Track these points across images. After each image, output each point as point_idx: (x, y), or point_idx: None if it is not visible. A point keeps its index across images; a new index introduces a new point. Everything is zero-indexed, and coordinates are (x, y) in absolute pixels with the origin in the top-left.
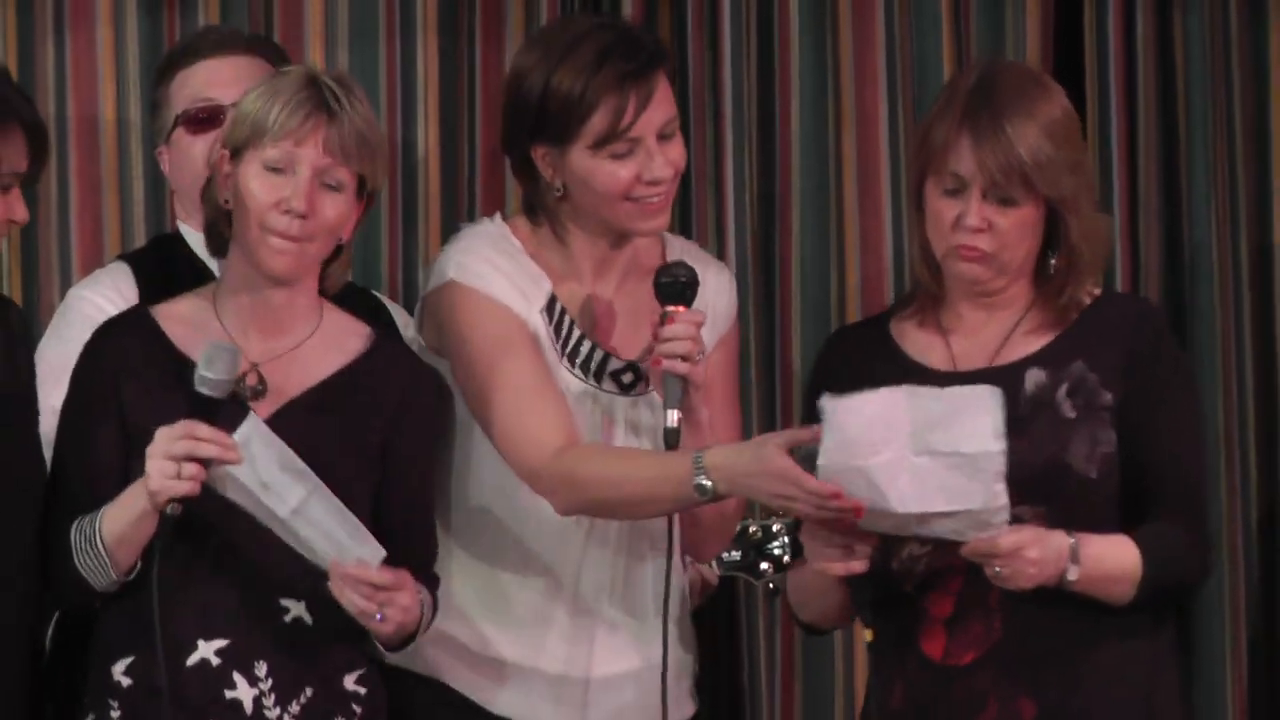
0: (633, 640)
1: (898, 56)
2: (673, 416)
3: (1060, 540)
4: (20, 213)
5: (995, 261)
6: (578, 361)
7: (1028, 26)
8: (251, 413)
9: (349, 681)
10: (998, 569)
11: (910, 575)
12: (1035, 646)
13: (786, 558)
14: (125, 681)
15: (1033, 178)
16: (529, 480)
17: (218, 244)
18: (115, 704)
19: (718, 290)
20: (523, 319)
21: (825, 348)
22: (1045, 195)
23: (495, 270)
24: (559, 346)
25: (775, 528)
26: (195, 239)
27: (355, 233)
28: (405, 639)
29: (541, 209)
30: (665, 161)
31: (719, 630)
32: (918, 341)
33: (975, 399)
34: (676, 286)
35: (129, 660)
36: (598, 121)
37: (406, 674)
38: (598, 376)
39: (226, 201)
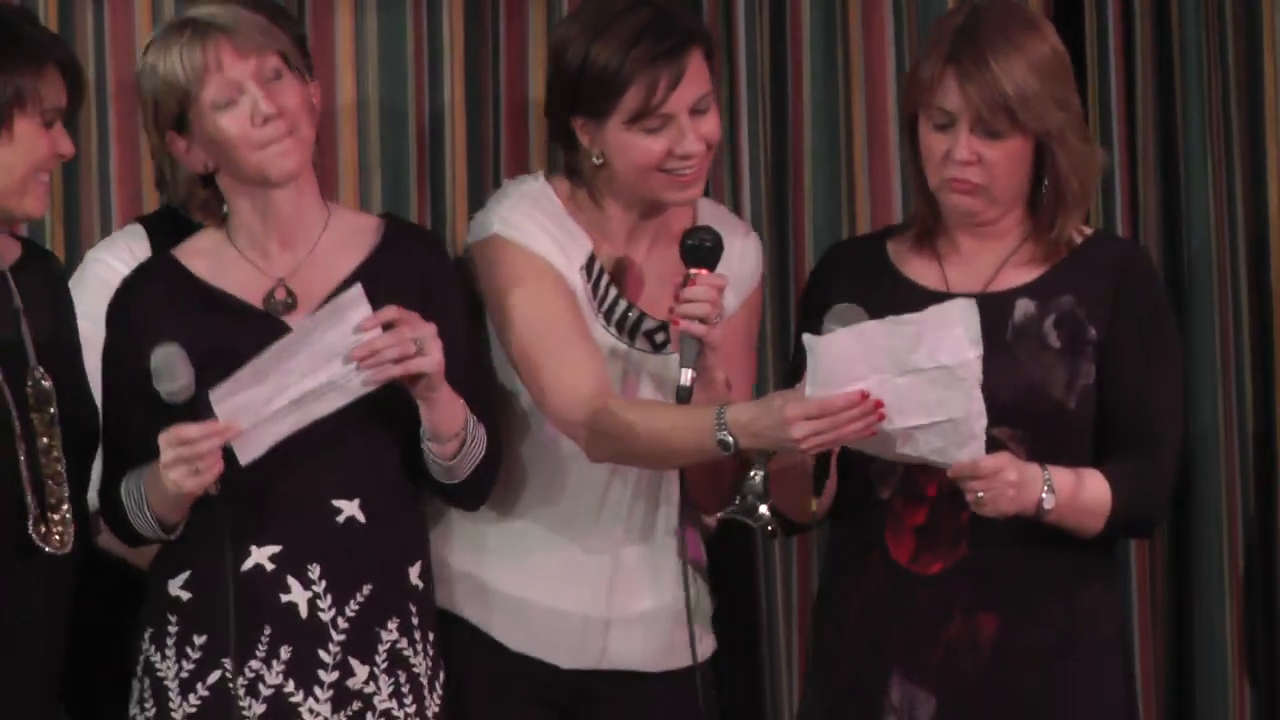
0: (651, 581)
1: (904, 23)
2: (686, 375)
3: (1036, 471)
4: (66, 147)
5: (986, 193)
6: (613, 319)
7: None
8: (211, 393)
9: (413, 575)
10: (979, 493)
11: (887, 480)
12: (999, 566)
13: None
14: (184, 595)
15: (1017, 111)
16: (562, 427)
17: (204, 209)
18: (174, 618)
19: (744, 254)
20: (562, 274)
21: (822, 260)
22: (1031, 128)
23: (538, 227)
24: (595, 304)
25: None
26: None
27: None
28: (461, 442)
29: (580, 175)
30: (697, 136)
31: (733, 572)
32: (913, 263)
33: (950, 313)
34: (701, 250)
35: (186, 575)
36: (631, 98)
37: (447, 614)
38: (631, 334)
39: (206, 166)
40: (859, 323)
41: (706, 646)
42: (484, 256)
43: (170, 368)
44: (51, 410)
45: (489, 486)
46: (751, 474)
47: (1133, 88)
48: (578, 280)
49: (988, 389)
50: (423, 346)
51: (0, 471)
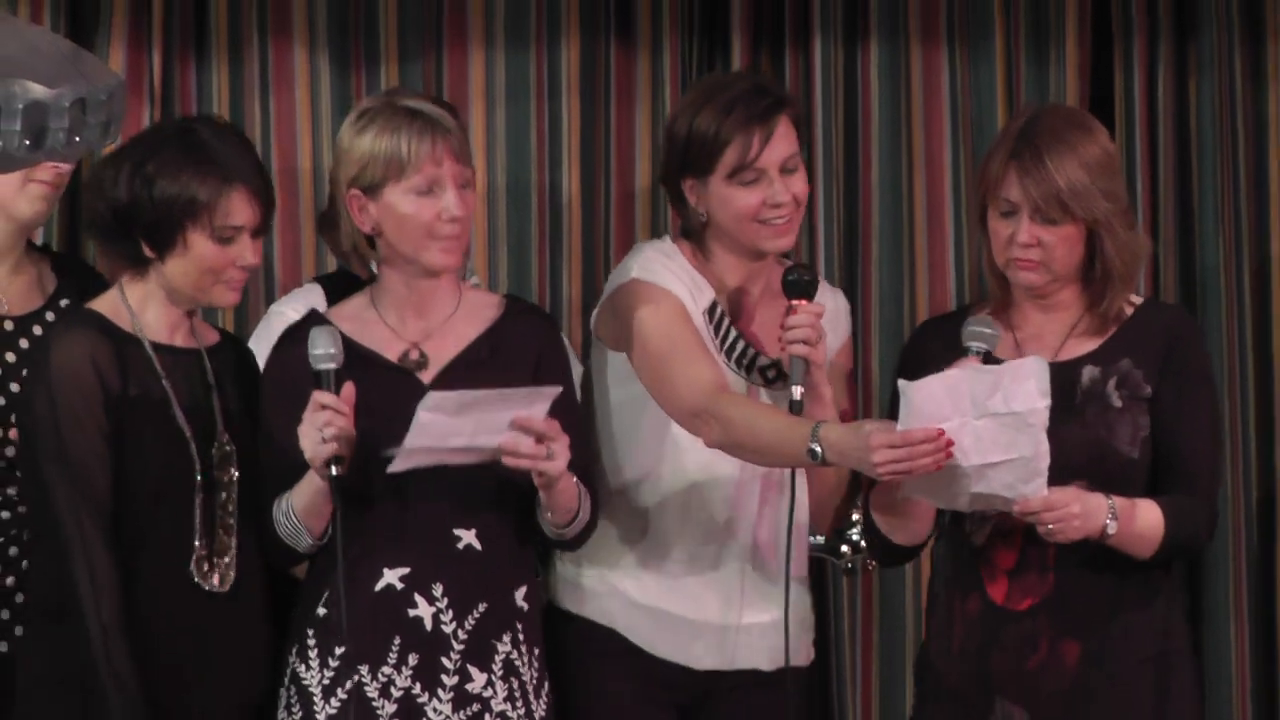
0: (771, 592)
1: (960, 113)
2: (796, 391)
3: (1099, 500)
4: (248, 259)
5: (1046, 269)
6: (734, 357)
7: (1068, 88)
8: (429, 394)
9: (518, 597)
10: (1049, 525)
11: (980, 530)
12: (1081, 599)
13: (862, 543)
14: (322, 613)
15: (1068, 202)
16: (687, 417)
17: (360, 262)
18: (311, 633)
19: (837, 311)
20: (690, 310)
21: (913, 336)
22: (1081, 217)
23: (670, 273)
24: (718, 343)
25: (854, 516)
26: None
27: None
28: (573, 516)
29: (694, 234)
30: (785, 188)
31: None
32: None
33: (1023, 367)
34: (800, 284)
35: (325, 595)
36: (730, 155)
37: (582, 620)
38: (748, 370)
39: (372, 229)
40: (980, 341)
41: (807, 653)
42: (624, 295)
43: (328, 337)
44: (232, 470)
45: (587, 539)
46: (853, 518)
47: (1154, 138)
48: (702, 323)
49: (1063, 448)
50: (552, 453)
51: (178, 516)
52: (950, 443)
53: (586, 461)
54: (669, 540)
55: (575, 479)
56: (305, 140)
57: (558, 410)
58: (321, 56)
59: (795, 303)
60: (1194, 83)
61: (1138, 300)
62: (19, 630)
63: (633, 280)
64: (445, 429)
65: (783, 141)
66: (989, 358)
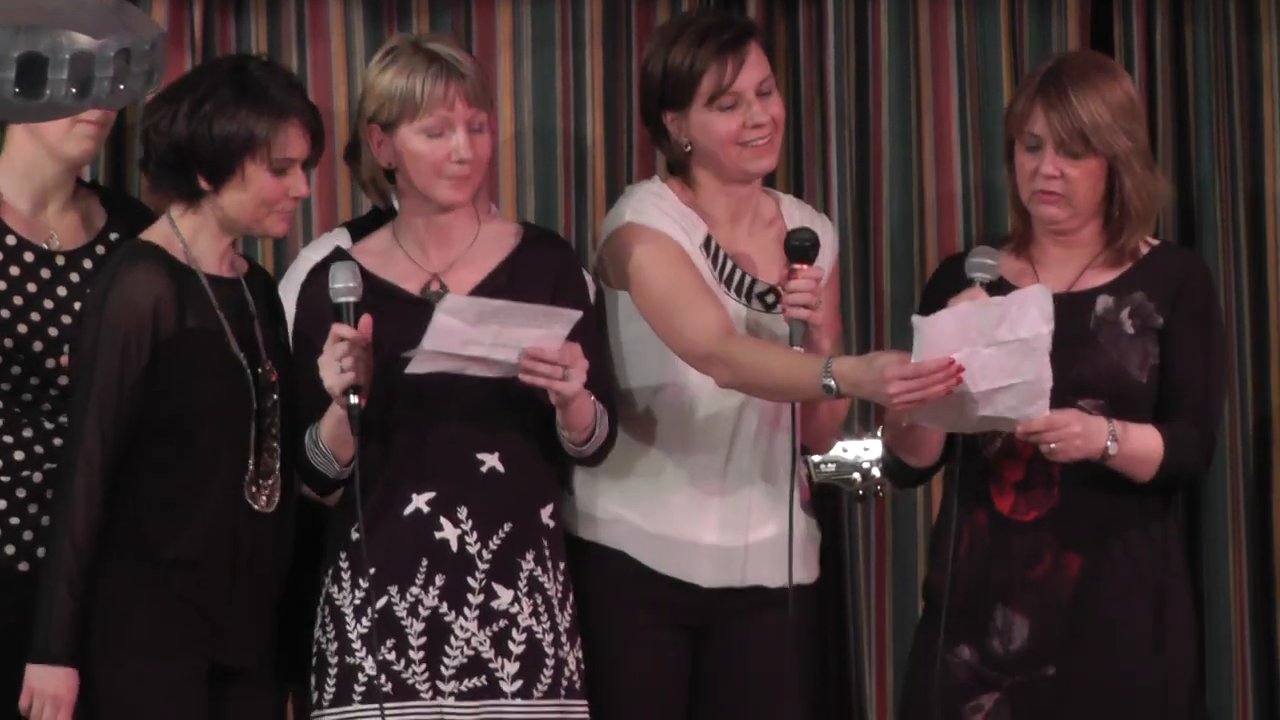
0: (775, 511)
1: (965, 62)
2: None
3: (1100, 423)
4: (299, 189)
5: (1068, 203)
6: (732, 285)
7: (1069, 38)
8: (447, 295)
9: (544, 515)
10: (1051, 445)
11: (990, 444)
12: (1085, 515)
13: (875, 471)
14: (354, 536)
15: (1090, 136)
16: (698, 360)
17: (378, 194)
18: (343, 555)
19: (822, 231)
20: (686, 249)
21: (939, 269)
22: (1103, 152)
23: (662, 213)
24: (717, 273)
25: (864, 444)
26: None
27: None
28: (589, 434)
29: (680, 167)
30: (763, 109)
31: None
32: (1011, 268)
33: (1029, 296)
34: (802, 249)
35: (356, 522)
36: (706, 84)
37: (596, 546)
38: (748, 297)
39: (389, 163)
40: (983, 272)
41: (813, 570)
42: (620, 240)
43: (347, 272)
44: (274, 396)
45: (606, 455)
46: (844, 448)
47: (1153, 86)
48: (699, 257)
49: (1077, 369)
50: (568, 374)
51: (236, 442)
52: (960, 369)
53: (605, 383)
54: (671, 468)
55: (592, 398)
56: (340, 89)
57: (575, 333)
58: (355, 9)
59: (796, 266)
60: (1190, 31)
61: (1154, 241)
62: (40, 552)
63: (627, 224)
64: (463, 335)
65: (755, 66)
66: (993, 287)
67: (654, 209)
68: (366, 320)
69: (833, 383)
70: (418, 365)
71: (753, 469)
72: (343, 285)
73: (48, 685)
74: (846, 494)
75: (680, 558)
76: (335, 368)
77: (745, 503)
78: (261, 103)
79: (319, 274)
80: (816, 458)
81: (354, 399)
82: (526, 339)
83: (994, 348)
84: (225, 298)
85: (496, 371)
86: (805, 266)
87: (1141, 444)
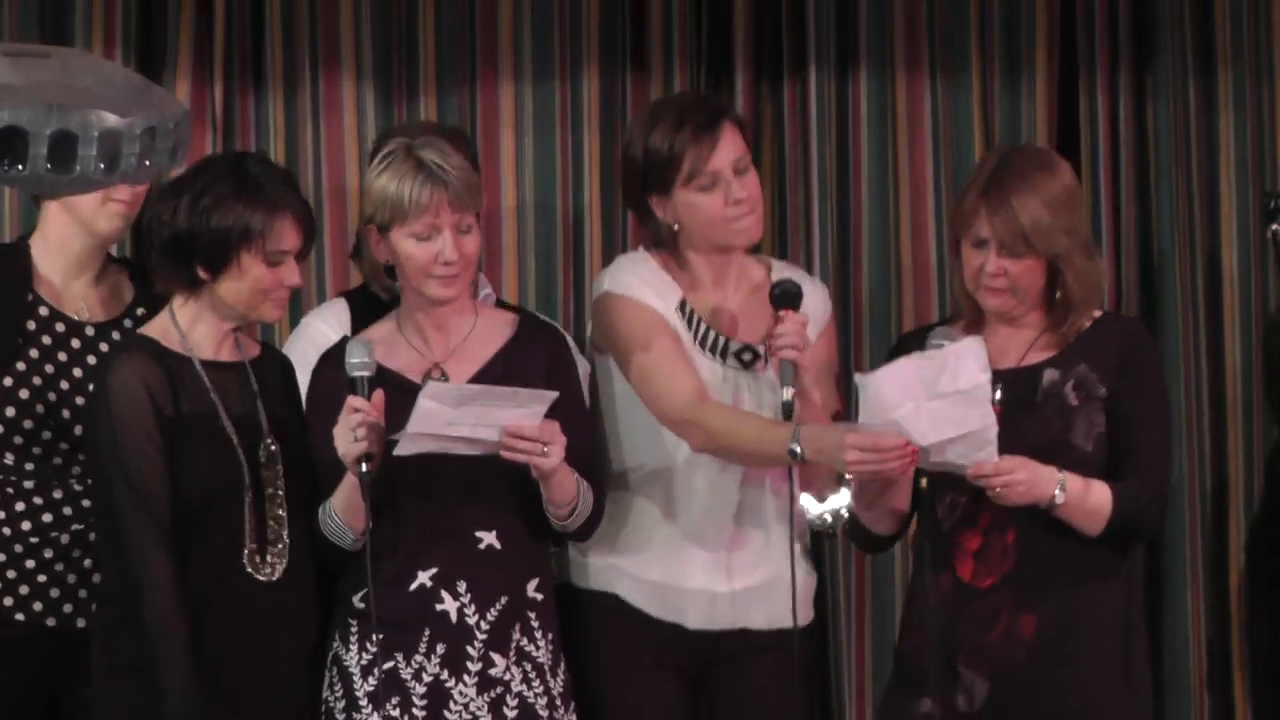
0: (764, 558)
1: (940, 137)
2: (788, 392)
3: (1050, 472)
4: (291, 279)
5: (1013, 295)
6: (707, 345)
7: (1038, 116)
8: (428, 383)
9: (530, 588)
10: (996, 489)
11: (950, 517)
12: (1038, 577)
13: (841, 511)
14: (361, 606)
15: (1032, 239)
16: (673, 425)
17: (380, 286)
18: (354, 623)
19: (813, 298)
20: (660, 313)
21: (895, 346)
22: (1043, 252)
23: (639, 280)
24: (692, 334)
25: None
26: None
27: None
28: (572, 509)
29: (667, 244)
30: (740, 187)
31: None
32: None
33: (964, 348)
34: (786, 295)
35: (363, 591)
36: (686, 165)
37: (589, 591)
38: (723, 356)
39: (387, 260)
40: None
41: (807, 614)
42: (601, 309)
43: (363, 349)
44: (278, 468)
45: (590, 534)
46: (825, 517)
47: (1117, 163)
48: (676, 319)
49: (1025, 440)
50: (548, 450)
51: (229, 513)
52: (915, 451)
53: (592, 461)
54: (659, 520)
55: (575, 475)
56: (353, 164)
57: (565, 413)
58: (367, 89)
59: (782, 313)
60: (1152, 109)
61: (1097, 314)
62: (94, 608)
63: (605, 293)
64: (446, 417)
65: (729, 145)
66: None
67: (631, 277)
68: (379, 394)
69: (798, 448)
70: (405, 447)
71: (739, 516)
72: (358, 360)
73: None
74: (825, 540)
75: (668, 602)
76: (349, 437)
77: (731, 549)
78: (258, 197)
79: (332, 358)
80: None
81: (365, 467)
82: (506, 418)
83: (938, 400)
84: (220, 381)
85: (480, 450)
86: (790, 312)
87: (1093, 498)
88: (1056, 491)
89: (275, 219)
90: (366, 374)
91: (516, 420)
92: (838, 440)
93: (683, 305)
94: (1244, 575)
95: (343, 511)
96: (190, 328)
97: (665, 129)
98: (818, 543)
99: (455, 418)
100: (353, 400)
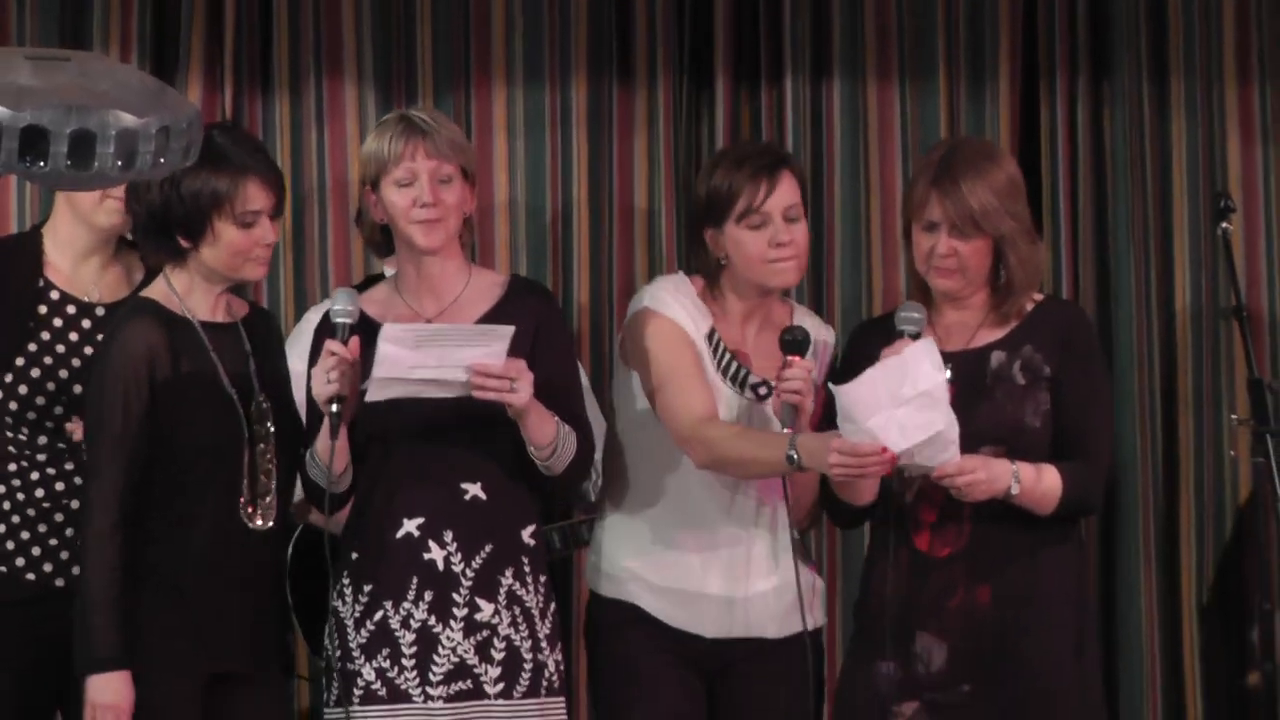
0: (774, 566)
1: (909, 141)
2: (786, 434)
3: (1005, 466)
4: (268, 237)
5: (962, 276)
6: (728, 375)
7: (1000, 120)
8: (384, 325)
9: (524, 535)
10: (959, 486)
11: (909, 488)
12: (993, 549)
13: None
14: (354, 556)
15: (980, 220)
16: (679, 439)
17: (381, 249)
18: (346, 573)
19: (826, 338)
20: (691, 336)
21: (852, 335)
22: (989, 233)
23: (675, 302)
24: (715, 362)
25: None
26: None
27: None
28: (553, 449)
29: (710, 276)
30: (787, 231)
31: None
32: None
33: (917, 350)
34: (795, 343)
35: (356, 543)
36: (740, 203)
37: (611, 600)
38: (740, 386)
39: (382, 219)
40: (911, 325)
41: (819, 617)
42: (635, 323)
43: (346, 297)
44: (268, 424)
45: (579, 479)
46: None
47: (1075, 168)
48: (703, 345)
49: (976, 420)
50: (515, 386)
51: (230, 467)
52: (893, 458)
53: (576, 408)
54: (676, 531)
55: (554, 417)
56: (355, 162)
57: (550, 366)
58: (369, 91)
59: (790, 358)
60: (1109, 114)
61: (1039, 297)
62: (75, 570)
63: (644, 309)
64: (408, 360)
65: (786, 192)
66: (918, 338)
67: (669, 297)
68: (355, 340)
69: (795, 454)
70: (375, 393)
71: (754, 527)
72: (340, 307)
73: (105, 694)
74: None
75: (685, 610)
76: (323, 379)
77: (745, 561)
78: (222, 163)
79: (324, 326)
80: None
81: (335, 407)
82: (469, 358)
83: (904, 406)
84: (219, 341)
85: (449, 391)
86: (798, 358)
87: (1044, 484)
88: (1012, 483)
89: (241, 182)
90: (348, 320)
91: (480, 359)
92: (825, 446)
93: (711, 334)
94: (1194, 555)
95: (324, 453)
96: (186, 294)
97: (728, 167)
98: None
99: (418, 360)
100: (330, 344)
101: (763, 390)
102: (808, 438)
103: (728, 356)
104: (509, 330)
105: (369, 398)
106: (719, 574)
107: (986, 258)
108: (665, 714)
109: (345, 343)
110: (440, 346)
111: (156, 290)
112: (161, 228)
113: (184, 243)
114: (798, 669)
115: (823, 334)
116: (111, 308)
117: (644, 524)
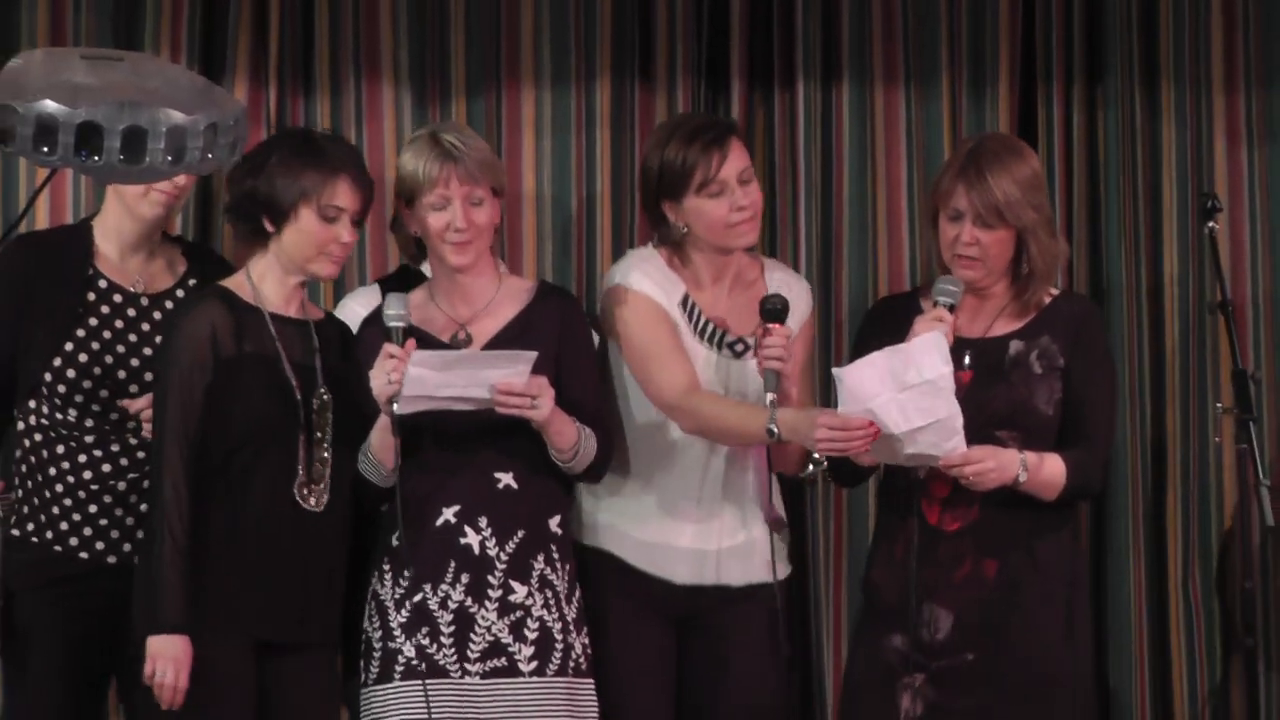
0: (744, 522)
1: (914, 141)
2: (769, 398)
3: (1012, 455)
4: (346, 237)
5: (984, 265)
6: (705, 336)
7: (1000, 122)
8: (414, 352)
9: (553, 524)
10: (968, 476)
11: (923, 466)
12: (1000, 527)
13: (823, 459)
14: (394, 543)
15: (1004, 211)
16: (665, 409)
17: (416, 256)
18: (386, 560)
19: (799, 295)
20: (664, 307)
21: (871, 310)
22: (1013, 224)
23: (645, 276)
24: (692, 326)
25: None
26: (424, 268)
27: (499, 227)
28: (574, 453)
29: (675, 245)
30: (744, 195)
31: (793, 532)
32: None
33: (926, 342)
34: (774, 311)
35: (396, 531)
36: (697, 176)
37: (591, 549)
38: (718, 346)
39: (416, 232)
40: (946, 296)
41: (783, 570)
42: (609, 300)
43: (398, 302)
44: (329, 415)
45: (600, 474)
46: (809, 467)
47: (1070, 166)
48: (678, 313)
49: (993, 404)
50: (537, 403)
51: (285, 448)
52: (876, 430)
53: (598, 410)
54: (656, 486)
55: (575, 422)
56: (391, 160)
57: (574, 368)
58: (405, 92)
59: (770, 326)
60: (1102, 117)
61: (1055, 291)
62: (126, 547)
63: (615, 286)
64: (435, 380)
65: (736, 158)
66: (953, 310)
67: (638, 273)
68: (411, 342)
69: (775, 428)
70: (403, 408)
71: (724, 486)
72: (394, 312)
73: (167, 650)
74: (810, 495)
75: (659, 559)
76: (384, 379)
77: (716, 515)
78: (318, 158)
79: (371, 322)
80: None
81: (396, 406)
82: (494, 377)
83: (907, 391)
84: (286, 332)
85: (474, 406)
86: (777, 326)
87: (1048, 471)
88: (1021, 473)
89: (331, 177)
90: (401, 324)
91: (504, 378)
92: (810, 421)
93: (685, 299)
94: (1180, 538)
95: (377, 450)
96: (260, 282)
97: (679, 143)
98: (801, 492)
99: (444, 380)
100: (388, 346)
101: (739, 348)
102: (788, 412)
103: (703, 320)
104: (532, 355)
105: (398, 411)
106: (691, 529)
107: (1008, 248)
108: (634, 670)
109: (401, 345)
110: (467, 369)
111: (232, 280)
112: (251, 209)
113: (268, 225)
114: (761, 612)
115: (795, 287)
116: (155, 298)
117: (625, 481)
